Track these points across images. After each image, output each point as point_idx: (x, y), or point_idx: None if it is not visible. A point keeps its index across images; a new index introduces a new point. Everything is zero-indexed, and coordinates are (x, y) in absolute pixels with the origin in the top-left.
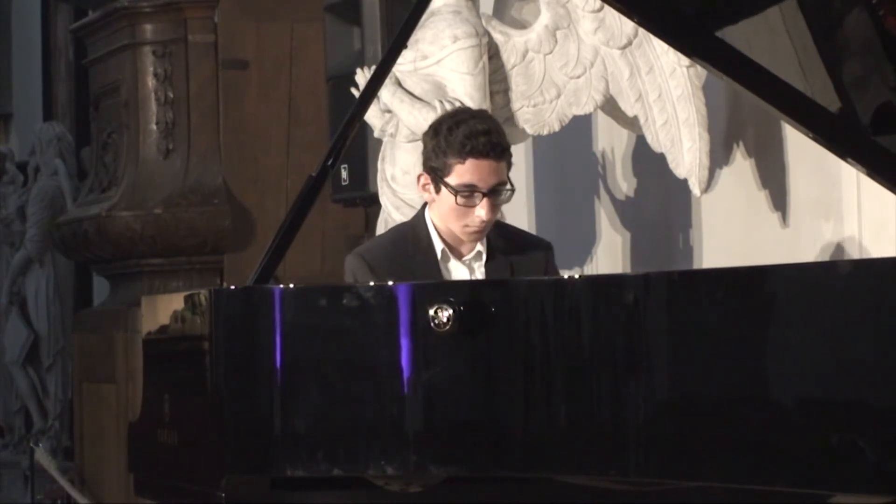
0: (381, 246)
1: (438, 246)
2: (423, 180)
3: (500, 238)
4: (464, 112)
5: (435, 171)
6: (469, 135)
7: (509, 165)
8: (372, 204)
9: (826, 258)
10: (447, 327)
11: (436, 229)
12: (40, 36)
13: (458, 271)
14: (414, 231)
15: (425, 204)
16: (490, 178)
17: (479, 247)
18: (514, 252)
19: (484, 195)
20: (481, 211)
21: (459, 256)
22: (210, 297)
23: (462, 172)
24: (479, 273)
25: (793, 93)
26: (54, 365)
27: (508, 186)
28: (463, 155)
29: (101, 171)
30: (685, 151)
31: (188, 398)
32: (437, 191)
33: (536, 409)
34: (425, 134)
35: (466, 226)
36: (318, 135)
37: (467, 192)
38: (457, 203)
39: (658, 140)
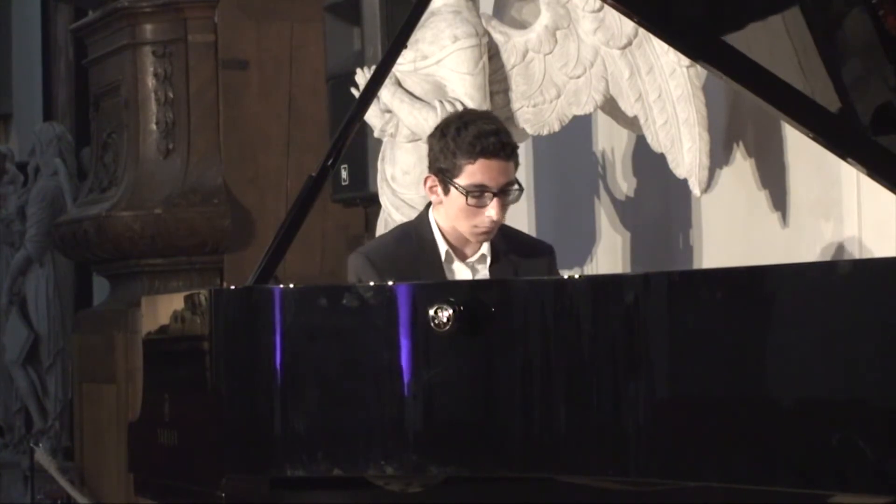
0: (385, 246)
1: (443, 247)
2: (429, 182)
3: (503, 241)
4: (470, 113)
5: (443, 173)
6: (479, 135)
7: (517, 165)
8: (372, 204)
9: (826, 258)
10: (447, 327)
11: (440, 230)
12: (40, 36)
13: (461, 273)
14: (418, 232)
15: (429, 205)
16: (500, 178)
17: (483, 249)
18: (518, 256)
19: (494, 195)
20: (492, 211)
21: (463, 258)
22: (210, 297)
23: (472, 173)
24: (483, 275)
25: (793, 93)
26: (54, 365)
27: (517, 186)
28: (473, 155)
29: (101, 171)
30: (685, 151)
31: (188, 398)
32: (446, 192)
33: (536, 409)
34: (431, 136)
35: (476, 226)
36: (318, 135)
37: (478, 193)
38: (467, 203)
39: (658, 140)
